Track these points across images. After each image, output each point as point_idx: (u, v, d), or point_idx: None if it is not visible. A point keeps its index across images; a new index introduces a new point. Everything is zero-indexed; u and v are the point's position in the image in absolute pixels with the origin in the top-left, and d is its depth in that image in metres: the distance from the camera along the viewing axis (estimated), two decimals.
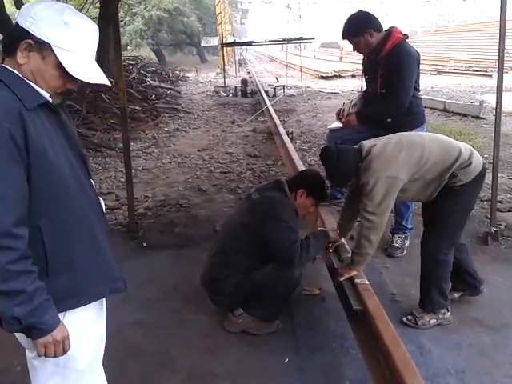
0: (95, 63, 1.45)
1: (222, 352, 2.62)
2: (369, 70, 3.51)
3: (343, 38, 3.47)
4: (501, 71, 3.44)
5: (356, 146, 2.76)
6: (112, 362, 2.53)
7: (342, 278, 2.69)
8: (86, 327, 1.55)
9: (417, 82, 3.35)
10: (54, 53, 1.35)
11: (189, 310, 3.04)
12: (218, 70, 21.98)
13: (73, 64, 1.37)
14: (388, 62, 3.27)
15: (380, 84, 3.35)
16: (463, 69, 18.63)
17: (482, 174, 2.65)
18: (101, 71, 1.45)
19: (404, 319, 2.83)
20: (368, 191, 2.56)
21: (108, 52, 11.43)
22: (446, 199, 2.64)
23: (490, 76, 15.35)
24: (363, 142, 2.77)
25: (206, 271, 2.86)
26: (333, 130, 3.79)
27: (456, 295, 2.98)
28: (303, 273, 2.79)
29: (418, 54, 3.36)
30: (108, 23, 11.29)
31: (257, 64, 37.66)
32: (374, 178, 2.53)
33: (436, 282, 2.76)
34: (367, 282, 2.60)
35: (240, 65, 29.81)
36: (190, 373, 2.47)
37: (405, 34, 3.38)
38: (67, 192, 1.41)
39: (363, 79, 3.61)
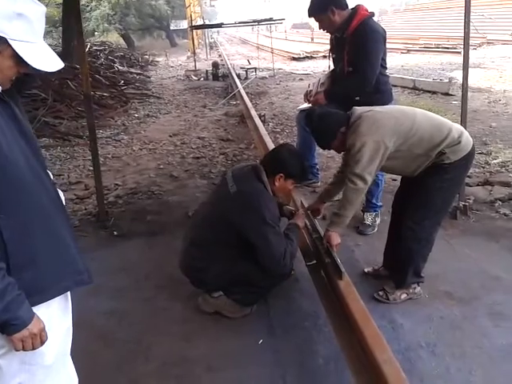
0: (49, 48, 1.40)
1: (197, 337, 2.61)
2: (336, 49, 3.49)
3: (309, 16, 3.43)
4: (466, 47, 3.45)
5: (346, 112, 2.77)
6: (84, 351, 2.50)
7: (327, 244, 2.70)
8: (52, 322, 1.51)
9: (383, 60, 3.34)
10: (10, 46, 1.30)
11: (162, 297, 3.01)
12: (189, 54, 21.63)
13: (31, 54, 1.33)
14: (354, 40, 3.25)
15: (347, 62, 3.33)
16: (433, 47, 18.76)
17: (471, 154, 2.63)
18: (55, 55, 1.40)
19: (375, 295, 2.86)
20: (354, 154, 2.55)
21: (73, 38, 11.12)
22: (433, 176, 2.63)
23: (459, 53, 15.48)
24: (355, 107, 2.76)
25: (185, 261, 2.79)
26: (303, 111, 3.77)
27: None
28: None
29: (385, 31, 3.34)
30: (72, 9, 11.01)
31: (228, 47, 37.29)
32: (360, 141, 2.53)
33: (414, 261, 2.77)
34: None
35: (211, 48, 29.47)
36: (165, 360, 2.45)
37: (371, 12, 3.35)
38: (24, 186, 1.36)
39: (330, 58, 3.58)
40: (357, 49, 3.23)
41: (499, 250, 3.37)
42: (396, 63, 15.12)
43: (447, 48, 17.60)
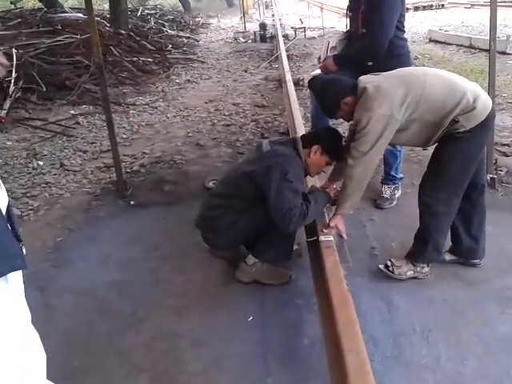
0: None
1: (189, 311, 2.62)
2: (352, 7, 3.23)
3: None
4: None
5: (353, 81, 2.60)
6: (80, 321, 2.62)
7: (326, 229, 2.57)
8: None
9: (400, 22, 3.07)
10: None
11: (166, 268, 3.04)
12: (241, 15, 21.24)
13: None
14: None
15: (361, 22, 3.08)
16: (500, 1, 17.21)
17: (488, 121, 2.40)
18: None
19: (380, 266, 2.73)
20: (361, 129, 2.40)
21: (120, 3, 11.21)
22: (447, 146, 2.45)
23: None
24: (361, 77, 2.59)
25: (201, 211, 2.79)
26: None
27: (447, 257, 2.81)
28: None
29: None
30: None
31: (285, 5, 36.22)
32: (367, 116, 2.36)
33: (433, 236, 2.60)
34: (332, 238, 2.49)
35: (266, 7, 28.73)
36: (154, 334, 2.47)
37: None
38: None
39: (347, 17, 3.33)
40: (371, 8, 2.99)
41: None
42: (455, 20, 14.09)
43: None
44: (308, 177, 2.92)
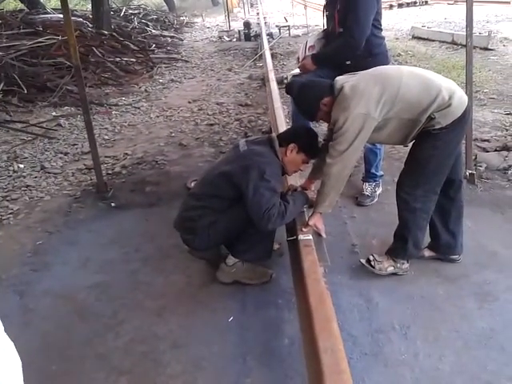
0: None
1: (169, 313, 2.60)
2: (329, 6, 3.23)
3: None
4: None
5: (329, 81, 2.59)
6: (58, 325, 2.59)
7: (305, 228, 2.56)
8: None
9: (377, 20, 3.08)
10: None
11: (146, 270, 3.02)
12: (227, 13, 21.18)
13: None
14: None
15: (337, 21, 3.09)
16: None
17: (464, 117, 2.41)
18: None
19: (362, 260, 2.74)
20: (338, 128, 2.40)
21: (102, 3, 11.12)
22: (424, 143, 2.46)
23: (509, 3, 14.35)
24: (338, 77, 2.59)
25: (179, 212, 2.77)
26: (294, 76, 3.57)
27: (427, 254, 2.83)
28: None
29: None
30: None
31: (270, 3, 36.20)
32: (344, 116, 2.36)
33: (412, 231, 2.61)
34: (311, 237, 2.49)
35: (251, 6, 28.67)
36: (134, 336, 2.46)
37: None
38: None
39: (324, 16, 3.33)
40: (347, 6, 2.99)
41: (503, 222, 3.14)
42: (439, 16, 14.19)
43: None
44: (289, 176, 2.93)
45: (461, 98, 2.41)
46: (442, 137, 2.40)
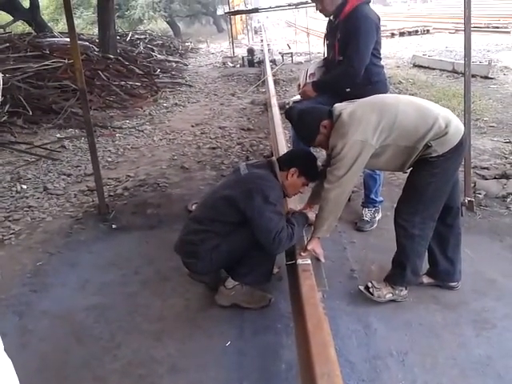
0: None
1: (167, 337, 2.59)
2: (329, 35, 3.32)
3: None
4: (468, 30, 3.21)
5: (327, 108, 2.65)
6: (56, 346, 2.59)
7: (304, 253, 2.57)
8: None
9: (376, 49, 3.16)
10: None
11: (144, 293, 3.02)
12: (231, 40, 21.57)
13: None
14: (345, 26, 3.09)
15: (338, 50, 3.17)
16: (482, 26, 17.71)
17: (460, 145, 2.44)
18: None
19: (361, 287, 2.73)
20: (336, 154, 2.43)
21: (109, 28, 11.34)
22: (421, 171, 2.49)
23: (509, 33, 14.60)
24: (336, 104, 2.65)
25: (180, 236, 2.78)
26: (295, 102, 3.63)
27: (425, 280, 2.84)
28: None
29: (379, 18, 3.15)
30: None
31: (273, 30, 36.86)
32: (342, 142, 2.40)
33: (410, 258, 2.62)
34: (309, 262, 2.50)
35: (256, 33, 29.21)
36: (131, 358, 2.45)
37: None
38: None
39: (324, 45, 3.42)
40: (347, 36, 3.07)
41: (501, 250, 3.15)
42: (440, 45, 14.43)
43: (497, 27, 16.57)
44: (289, 198, 2.96)
45: (457, 126, 2.45)
46: (439, 164, 2.44)
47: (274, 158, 2.87)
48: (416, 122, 2.41)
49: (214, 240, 2.61)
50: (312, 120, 2.62)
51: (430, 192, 2.49)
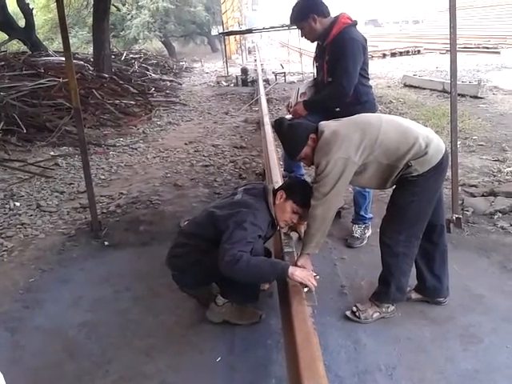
0: None
1: (158, 352, 2.61)
2: (318, 57, 3.43)
3: (290, 24, 3.39)
4: (453, 50, 3.31)
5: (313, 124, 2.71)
6: (48, 362, 2.60)
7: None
8: None
9: (364, 70, 3.25)
10: None
11: (136, 309, 3.04)
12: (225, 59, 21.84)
13: None
14: (333, 49, 3.19)
15: (326, 72, 3.26)
16: (473, 47, 18.08)
17: (441, 164, 2.50)
18: None
19: (347, 313, 2.77)
20: (320, 171, 2.49)
21: (104, 47, 11.47)
22: (403, 190, 2.55)
23: (498, 53, 14.90)
24: (321, 122, 2.71)
25: (169, 249, 2.81)
26: None
27: (413, 296, 2.88)
28: None
29: (365, 39, 3.25)
30: (102, 17, 11.34)
31: (267, 50, 37.35)
32: (325, 159, 2.46)
33: (395, 276, 2.66)
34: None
35: (249, 52, 29.60)
36: (122, 374, 2.47)
37: (353, 20, 3.27)
38: None
39: (314, 67, 3.52)
40: (335, 58, 3.17)
41: (489, 266, 3.20)
42: (430, 65, 14.69)
43: (487, 48, 16.92)
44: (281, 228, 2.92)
45: (438, 146, 2.51)
46: (420, 183, 2.49)
47: (269, 186, 2.89)
48: (397, 141, 2.48)
49: (197, 254, 2.64)
50: (302, 130, 2.67)
51: (412, 210, 2.55)
